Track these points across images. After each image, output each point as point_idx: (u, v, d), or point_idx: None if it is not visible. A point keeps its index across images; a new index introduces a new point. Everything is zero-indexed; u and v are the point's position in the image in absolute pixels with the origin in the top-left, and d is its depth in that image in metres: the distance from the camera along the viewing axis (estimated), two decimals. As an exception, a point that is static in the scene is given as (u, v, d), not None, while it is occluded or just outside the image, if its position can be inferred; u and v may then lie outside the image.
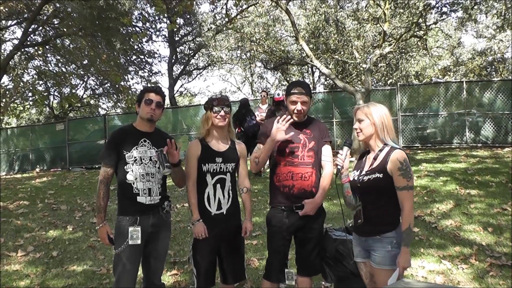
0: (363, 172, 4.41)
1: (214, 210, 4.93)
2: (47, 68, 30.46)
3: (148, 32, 33.10)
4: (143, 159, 4.77)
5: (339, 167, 4.61)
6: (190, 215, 4.93)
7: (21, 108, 38.68)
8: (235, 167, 5.13)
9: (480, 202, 9.92)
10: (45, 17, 25.79)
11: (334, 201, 10.62)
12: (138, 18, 32.06)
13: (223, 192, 4.98)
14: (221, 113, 4.92)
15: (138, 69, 34.39)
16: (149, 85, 27.85)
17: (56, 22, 26.51)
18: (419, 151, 18.77)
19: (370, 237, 4.32)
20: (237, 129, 13.64)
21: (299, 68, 38.04)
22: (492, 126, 18.97)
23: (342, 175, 4.65)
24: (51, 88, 34.88)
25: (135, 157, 4.74)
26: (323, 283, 6.42)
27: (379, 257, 4.24)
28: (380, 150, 4.33)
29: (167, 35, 36.59)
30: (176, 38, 38.02)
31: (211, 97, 5.07)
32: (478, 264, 6.93)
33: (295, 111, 4.91)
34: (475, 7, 23.98)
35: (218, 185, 4.96)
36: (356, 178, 4.45)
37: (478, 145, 18.98)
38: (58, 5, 25.30)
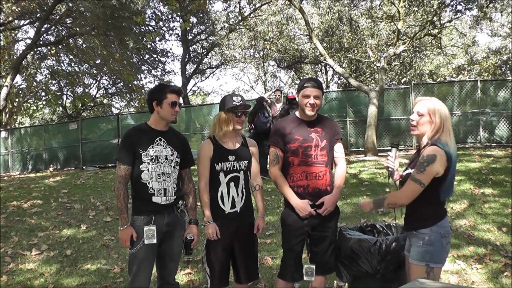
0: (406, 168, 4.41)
1: (228, 208, 4.90)
2: (60, 68, 30.61)
3: (161, 31, 33.16)
4: (159, 158, 4.73)
5: (390, 169, 4.65)
6: (203, 215, 4.91)
7: (34, 108, 38.94)
8: (248, 165, 5.09)
9: (494, 202, 9.86)
10: (57, 17, 25.92)
11: (348, 200, 10.60)
12: (151, 17, 32.17)
13: (237, 190, 4.95)
14: (242, 117, 4.93)
15: (151, 68, 34.54)
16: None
17: (68, 22, 26.64)
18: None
19: (410, 232, 4.34)
20: (249, 126, 13.62)
21: (312, 67, 38.04)
22: (506, 126, 18.93)
23: (394, 175, 4.64)
24: (64, 88, 35.07)
25: (151, 156, 4.70)
26: (336, 282, 6.39)
27: (413, 252, 4.24)
28: (425, 147, 4.18)
29: (180, 34, 36.66)
30: (189, 37, 38.06)
31: (232, 99, 4.94)
32: (492, 264, 6.88)
33: (308, 105, 4.87)
34: (490, 5, 23.93)
35: (232, 183, 4.93)
36: (401, 173, 4.45)
37: (492, 144, 18.91)
38: (70, 5, 25.41)
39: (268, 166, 5.19)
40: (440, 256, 4.17)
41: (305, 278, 4.99)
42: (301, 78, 39.12)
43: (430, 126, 4.14)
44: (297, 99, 5.05)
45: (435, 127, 4.10)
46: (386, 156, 4.80)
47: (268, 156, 5.12)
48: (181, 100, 4.92)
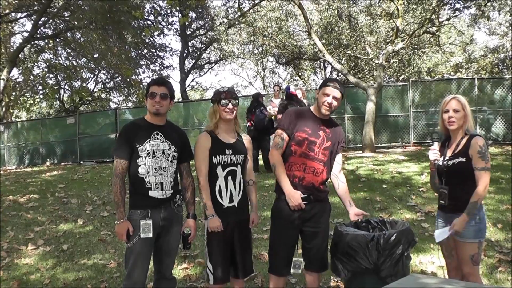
0: (447, 158, 4.90)
1: (226, 203, 4.91)
2: (57, 62, 30.51)
3: (160, 26, 33.09)
4: (156, 152, 4.73)
5: (436, 162, 5.03)
6: (202, 209, 4.89)
7: (31, 102, 38.81)
8: (244, 159, 5.10)
9: (490, 199, 9.85)
10: (55, 10, 25.79)
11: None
12: (150, 11, 32.09)
13: (235, 184, 4.96)
14: (228, 106, 4.89)
15: (149, 62, 34.48)
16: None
17: (66, 15, 26.53)
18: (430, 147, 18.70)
19: (457, 214, 4.72)
20: (248, 123, 13.62)
21: (311, 63, 38.04)
22: (503, 123, 18.96)
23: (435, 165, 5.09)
24: (61, 82, 35.00)
25: (148, 150, 4.70)
26: (332, 278, 6.40)
27: (466, 232, 4.69)
28: (462, 138, 4.83)
29: (179, 29, 36.62)
30: (188, 32, 38.04)
31: (218, 90, 5.05)
32: (487, 259, 6.95)
33: (326, 103, 4.90)
34: (488, 4, 23.97)
35: (230, 177, 4.94)
36: (441, 164, 4.94)
37: (489, 142, 18.84)
38: (69, -2, 25.34)
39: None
40: (485, 231, 4.84)
41: (292, 271, 5.04)
42: (300, 74, 39.33)
43: (464, 119, 4.84)
44: (316, 96, 5.08)
45: (468, 118, 4.84)
46: (429, 149, 5.20)
47: (273, 138, 5.15)
48: (170, 89, 4.86)
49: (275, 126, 11.28)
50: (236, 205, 4.95)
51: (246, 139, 5.23)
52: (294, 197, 4.84)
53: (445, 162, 4.88)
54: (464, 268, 4.82)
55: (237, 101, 4.97)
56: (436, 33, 26.45)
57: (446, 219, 4.92)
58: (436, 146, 5.08)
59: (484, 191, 4.61)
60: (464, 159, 4.71)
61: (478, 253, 4.74)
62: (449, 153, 4.91)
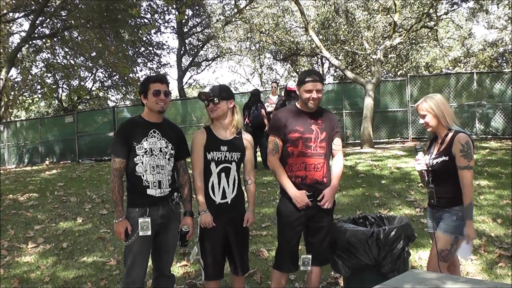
0: (433, 157, 4.90)
1: (219, 199, 4.91)
2: (55, 61, 30.45)
3: (156, 24, 33.04)
4: (153, 150, 4.72)
5: (423, 171, 4.97)
6: (197, 205, 4.90)
7: (30, 101, 38.88)
8: (241, 157, 5.09)
9: (489, 194, 9.88)
10: (52, 9, 25.76)
11: (343, 192, 10.60)
12: (146, 9, 32.04)
13: (228, 181, 4.95)
14: (209, 105, 4.93)
15: (146, 60, 34.36)
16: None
17: (63, 14, 26.48)
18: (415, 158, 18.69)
19: (441, 210, 4.85)
20: (246, 120, 13.60)
21: (308, 59, 37.97)
22: (502, 118, 18.95)
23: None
24: (59, 81, 34.96)
25: (145, 149, 4.68)
26: (332, 273, 6.40)
27: (444, 225, 4.79)
28: (446, 135, 4.81)
29: (175, 27, 36.56)
30: (185, 30, 37.97)
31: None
32: (487, 255, 6.93)
33: (311, 99, 4.90)
34: (487, -3, 23.91)
35: (223, 174, 4.93)
36: (427, 162, 4.94)
37: (488, 136, 18.90)
38: (65, -3, 25.30)
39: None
40: None
41: (301, 268, 5.03)
42: (298, 70, 39.16)
43: (436, 119, 4.81)
44: (297, 92, 5.07)
45: (441, 116, 4.78)
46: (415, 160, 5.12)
47: (268, 145, 5.14)
48: (168, 88, 4.87)
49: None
50: (229, 202, 4.94)
51: (247, 138, 5.20)
52: (300, 198, 4.87)
53: (431, 161, 4.90)
54: (431, 259, 4.88)
55: (216, 98, 4.93)
56: (434, 28, 26.41)
57: (432, 216, 5.01)
58: (420, 156, 5.04)
59: (470, 190, 4.63)
60: (447, 158, 4.73)
61: (449, 250, 4.74)
62: (435, 151, 4.92)
